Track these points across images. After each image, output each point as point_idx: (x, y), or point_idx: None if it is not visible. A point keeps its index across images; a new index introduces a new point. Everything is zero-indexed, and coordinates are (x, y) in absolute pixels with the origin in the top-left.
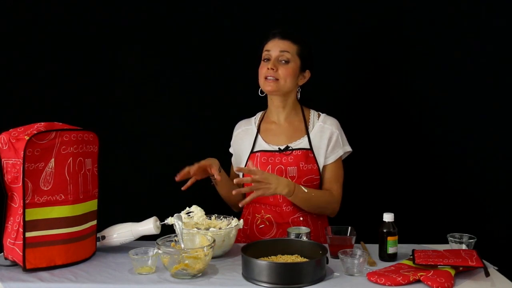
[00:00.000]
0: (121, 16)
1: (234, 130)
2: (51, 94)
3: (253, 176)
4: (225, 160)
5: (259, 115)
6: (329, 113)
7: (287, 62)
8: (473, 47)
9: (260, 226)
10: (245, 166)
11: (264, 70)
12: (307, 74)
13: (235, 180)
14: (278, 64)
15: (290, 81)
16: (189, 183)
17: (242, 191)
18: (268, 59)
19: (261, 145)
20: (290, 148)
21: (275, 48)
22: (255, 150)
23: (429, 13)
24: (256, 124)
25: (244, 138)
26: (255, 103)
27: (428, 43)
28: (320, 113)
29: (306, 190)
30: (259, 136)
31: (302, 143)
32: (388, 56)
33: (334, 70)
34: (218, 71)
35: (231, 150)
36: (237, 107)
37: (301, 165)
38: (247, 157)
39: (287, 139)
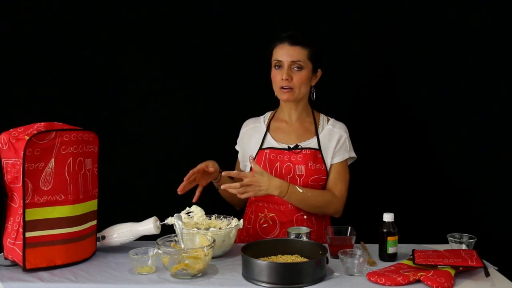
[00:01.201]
0: (121, 16)
1: (242, 127)
2: (51, 94)
3: (243, 180)
4: (228, 160)
5: (268, 114)
6: (330, 112)
7: (300, 69)
8: (476, 51)
9: (264, 226)
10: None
11: (277, 78)
12: (319, 73)
13: (222, 186)
14: (291, 72)
15: (304, 88)
16: (197, 193)
17: (230, 188)
18: (280, 66)
19: (270, 142)
20: (300, 146)
21: (286, 56)
22: (264, 147)
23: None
24: (266, 123)
25: (252, 135)
26: (257, 103)
27: (429, 45)
28: (329, 118)
29: (301, 191)
30: (268, 134)
31: (311, 143)
32: (389, 57)
33: (333, 70)
34: (218, 71)
35: (237, 147)
36: (239, 107)
37: (309, 164)
38: (255, 154)
39: (296, 138)
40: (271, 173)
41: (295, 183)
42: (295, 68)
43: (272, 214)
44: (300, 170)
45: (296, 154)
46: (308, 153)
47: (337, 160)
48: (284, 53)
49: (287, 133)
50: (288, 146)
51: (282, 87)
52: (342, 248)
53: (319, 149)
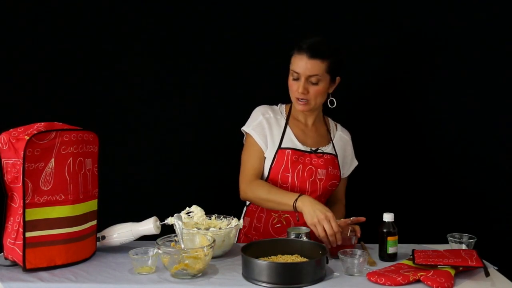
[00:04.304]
0: (122, 16)
1: (260, 112)
2: (51, 94)
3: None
4: (228, 161)
5: (283, 107)
6: (330, 111)
7: (316, 81)
8: (475, 51)
9: (277, 226)
10: (274, 159)
11: (294, 89)
12: (337, 81)
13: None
14: (308, 85)
15: (320, 99)
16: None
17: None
18: (297, 78)
19: (293, 142)
20: (321, 151)
21: (303, 70)
22: (285, 146)
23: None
24: (285, 117)
25: (273, 126)
26: (258, 103)
27: (429, 46)
28: (336, 123)
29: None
30: (289, 131)
31: (328, 149)
32: (389, 58)
33: None
34: (219, 72)
35: (249, 130)
36: (238, 107)
37: (329, 169)
38: (274, 151)
39: (315, 143)
40: (292, 175)
41: (315, 186)
42: (312, 81)
43: (287, 215)
44: (321, 174)
45: (318, 158)
46: (328, 158)
47: (347, 173)
48: (302, 66)
49: (306, 136)
50: (311, 149)
51: (297, 98)
52: (342, 248)
53: (336, 155)
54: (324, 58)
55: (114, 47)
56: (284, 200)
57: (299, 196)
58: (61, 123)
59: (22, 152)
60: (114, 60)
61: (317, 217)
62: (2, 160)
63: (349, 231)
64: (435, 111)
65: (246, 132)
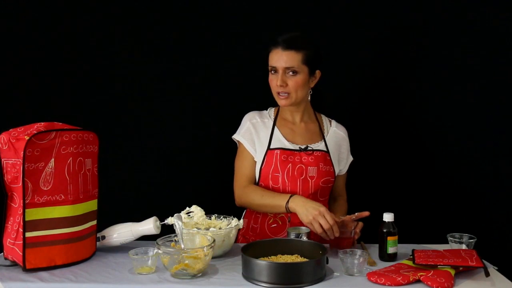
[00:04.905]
0: (121, 16)
1: (247, 119)
2: (51, 94)
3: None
4: (227, 161)
5: (272, 110)
6: (330, 111)
7: (294, 73)
8: (475, 53)
9: (273, 226)
10: (263, 161)
11: (273, 84)
12: (318, 74)
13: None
14: (286, 77)
15: (301, 92)
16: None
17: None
18: (275, 71)
19: (282, 141)
20: (310, 148)
21: (279, 61)
22: (274, 146)
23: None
24: (272, 119)
25: (260, 130)
26: (258, 103)
27: (430, 48)
28: (331, 119)
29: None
30: (277, 132)
31: (320, 146)
32: (389, 58)
33: (333, 70)
34: (218, 72)
35: (240, 137)
36: (238, 108)
37: (320, 166)
38: (264, 152)
39: (305, 140)
40: (283, 175)
41: (307, 184)
42: (290, 73)
43: (282, 214)
44: (312, 172)
45: (308, 156)
46: (319, 155)
47: (345, 170)
48: (278, 59)
49: (295, 134)
50: (300, 147)
51: (278, 93)
52: (342, 239)
53: (328, 152)
54: (299, 49)
55: (114, 47)
56: (276, 202)
57: (290, 197)
58: (61, 123)
59: (22, 152)
60: (115, 60)
61: (311, 214)
62: (2, 160)
63: (353, 227)
64: (435, 111)
65: (236, 140)
